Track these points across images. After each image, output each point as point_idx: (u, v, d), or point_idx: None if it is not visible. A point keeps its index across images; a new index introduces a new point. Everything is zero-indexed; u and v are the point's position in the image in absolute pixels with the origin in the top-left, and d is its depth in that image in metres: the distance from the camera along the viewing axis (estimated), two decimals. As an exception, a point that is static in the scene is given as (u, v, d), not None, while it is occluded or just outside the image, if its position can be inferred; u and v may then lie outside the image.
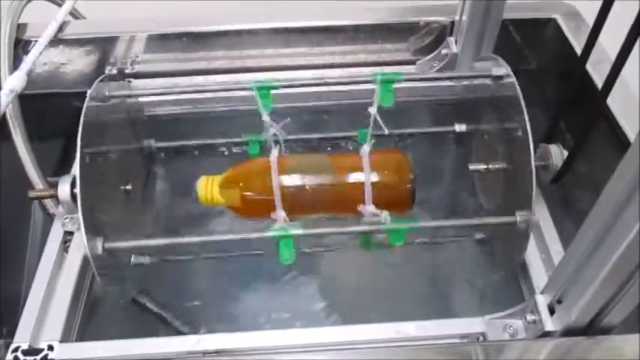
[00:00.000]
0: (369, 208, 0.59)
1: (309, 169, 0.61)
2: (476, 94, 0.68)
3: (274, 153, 0.61)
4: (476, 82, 0.67)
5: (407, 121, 0.79)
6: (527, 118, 0.54)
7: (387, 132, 0.59)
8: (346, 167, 0.61)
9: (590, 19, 0.74)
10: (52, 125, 0.73)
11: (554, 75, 0.74)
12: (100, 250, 0.54)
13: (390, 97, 0.59)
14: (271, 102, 0.59)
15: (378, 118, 0.59)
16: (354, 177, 0.60)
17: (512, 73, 0.57)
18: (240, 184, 0.61)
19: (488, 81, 0.61)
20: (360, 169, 0.60)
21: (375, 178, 0.60)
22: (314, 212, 0.62)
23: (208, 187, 0.61)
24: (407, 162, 0.62)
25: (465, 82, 0.71)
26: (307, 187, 0.60)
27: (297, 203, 0.60)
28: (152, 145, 0.73)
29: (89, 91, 0.56)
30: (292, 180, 0.60)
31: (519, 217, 0.56)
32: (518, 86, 0.56)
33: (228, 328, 0.65)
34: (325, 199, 0.61)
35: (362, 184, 0.59)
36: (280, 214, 0.59)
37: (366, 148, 0.60)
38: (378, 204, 0.59)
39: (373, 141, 0.60)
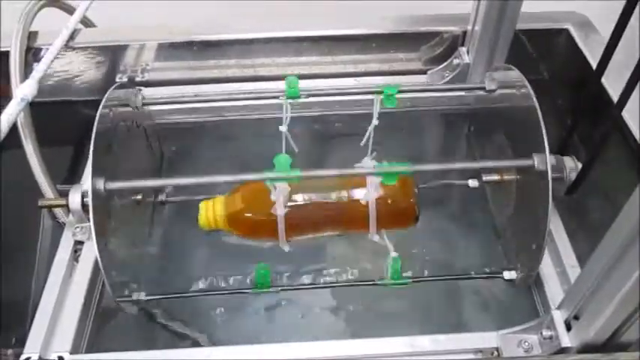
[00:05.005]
0: (373, 229, 0.59)
1: (313, 189, 0.60)
2: (489, 105, 0.68)
3: (279, 197, 0.58)
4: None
5: (417, 130, 0.79)
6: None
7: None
8: (350, 185, 0.60)
9: (602, 28, 0.74)
10: (62, 133, 0.73)
11: (566, 85, 0.74)
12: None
13: (393, 100, 0.59)
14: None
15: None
16: (358, 195, 0.59)
17: (528, 85, 0.56)
18: (242, 208, 0.59)
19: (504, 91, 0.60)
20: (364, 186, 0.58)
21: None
22: (318, 232, 0.62)
23: (209, 214, 0.60)
24: (410, 177, 0.60)
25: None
26: (310, 208, 0.60)
27: (301, 224, 0.60)
28: (163, 153, 0.72)
29: (103, 100, 0.56)
30: (295, 202, 0.59)
31: (516, 274, 0.58)
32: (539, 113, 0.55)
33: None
34: (328, 219, 0.60)
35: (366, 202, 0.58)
36: (285, 247, 0.59)
37: (369, 163, 0.59)
38: (383, 220, 0.59)
39: (375, 153, 0.59)
